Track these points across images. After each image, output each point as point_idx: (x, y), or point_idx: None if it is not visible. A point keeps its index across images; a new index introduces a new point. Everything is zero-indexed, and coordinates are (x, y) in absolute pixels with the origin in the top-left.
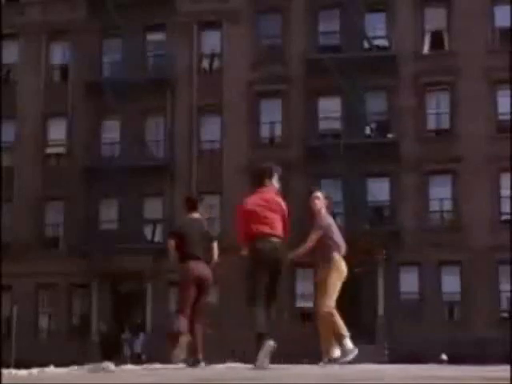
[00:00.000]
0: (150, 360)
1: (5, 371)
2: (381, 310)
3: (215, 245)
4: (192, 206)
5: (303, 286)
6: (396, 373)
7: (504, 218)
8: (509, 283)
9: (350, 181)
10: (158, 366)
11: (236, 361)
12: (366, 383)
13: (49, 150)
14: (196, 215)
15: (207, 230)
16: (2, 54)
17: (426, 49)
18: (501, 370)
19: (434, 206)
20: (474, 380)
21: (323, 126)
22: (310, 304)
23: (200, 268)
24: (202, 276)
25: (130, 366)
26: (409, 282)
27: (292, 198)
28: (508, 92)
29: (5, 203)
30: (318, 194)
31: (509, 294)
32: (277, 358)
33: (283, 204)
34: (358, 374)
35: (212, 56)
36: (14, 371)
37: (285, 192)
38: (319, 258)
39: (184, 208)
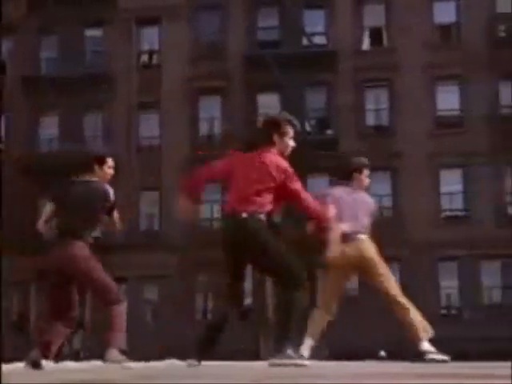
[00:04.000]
0: (89, 357)
1: None
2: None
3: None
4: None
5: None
6: (335, 369)
7: (444, 214)
8: (449, 280)
9: None
10: (97, 363)
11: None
12: (305, 383)
13: None
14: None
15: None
16: None
17: (365, 45)
18: (441, 367)
19: (374, 202)
20: (411, 377)
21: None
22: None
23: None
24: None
25: (68, 363)
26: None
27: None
28: (447, 88)
29: None
30: None
31: (448, 291)
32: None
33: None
34: (298, 371)
35: (151, 52)
36: None
37: (224, 186)
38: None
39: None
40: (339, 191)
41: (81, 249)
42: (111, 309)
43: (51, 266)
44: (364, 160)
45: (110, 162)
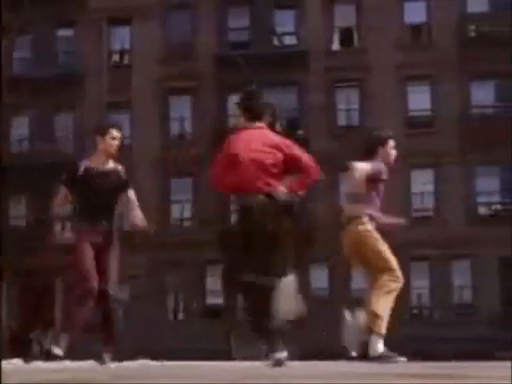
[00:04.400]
0: (61, 357)
1: None
2: None
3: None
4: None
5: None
6: (310, 369)
7: (415, 214)
8: (420, 280)
9: None
10: (68, 362)
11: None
12: (284, 383)
13: None
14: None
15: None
16: None
17: (335, 46)
18: (416, 367)
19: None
20: (388, 376)
21: (234, 122)
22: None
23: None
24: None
25: (40, 363)
26: (319, 278)
27: (200, 194)
28: (418, 88)
29: None
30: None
31: (419, 291)
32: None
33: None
34: (275, 371)
35: (122, 52)
36: None
37: (195, 186)
38: None
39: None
40: None
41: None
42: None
43: None
44: (386, 131)
45: (113, 132)
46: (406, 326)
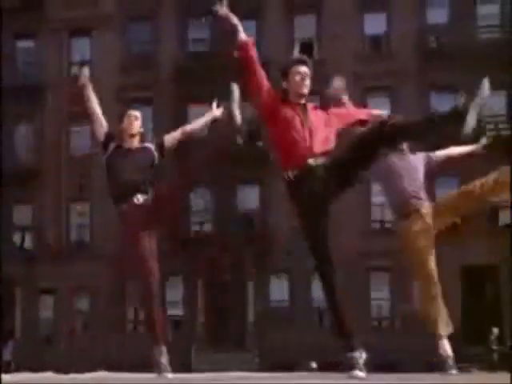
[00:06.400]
0: (20, 368)
1: None
2: (251, 317)
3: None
4: None
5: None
6: (263, 381)
7: (374, 226)
8: (380, 291)
9: (219, 188)
10: (27, 374)
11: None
12: None
13: None
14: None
15: None
16: None
17: (295, 56)
18: (373, 379)
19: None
20: None
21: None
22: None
23: None
24: None
25: (3, 376)
26: (279, 288)
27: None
28: (378, 99)
29: None
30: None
31: (379, 302)
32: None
33: None
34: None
35: (82, 63)
36: None
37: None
38: None
39: None
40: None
41: None
42: None
43: None
44: None
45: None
46: (366, 337)
